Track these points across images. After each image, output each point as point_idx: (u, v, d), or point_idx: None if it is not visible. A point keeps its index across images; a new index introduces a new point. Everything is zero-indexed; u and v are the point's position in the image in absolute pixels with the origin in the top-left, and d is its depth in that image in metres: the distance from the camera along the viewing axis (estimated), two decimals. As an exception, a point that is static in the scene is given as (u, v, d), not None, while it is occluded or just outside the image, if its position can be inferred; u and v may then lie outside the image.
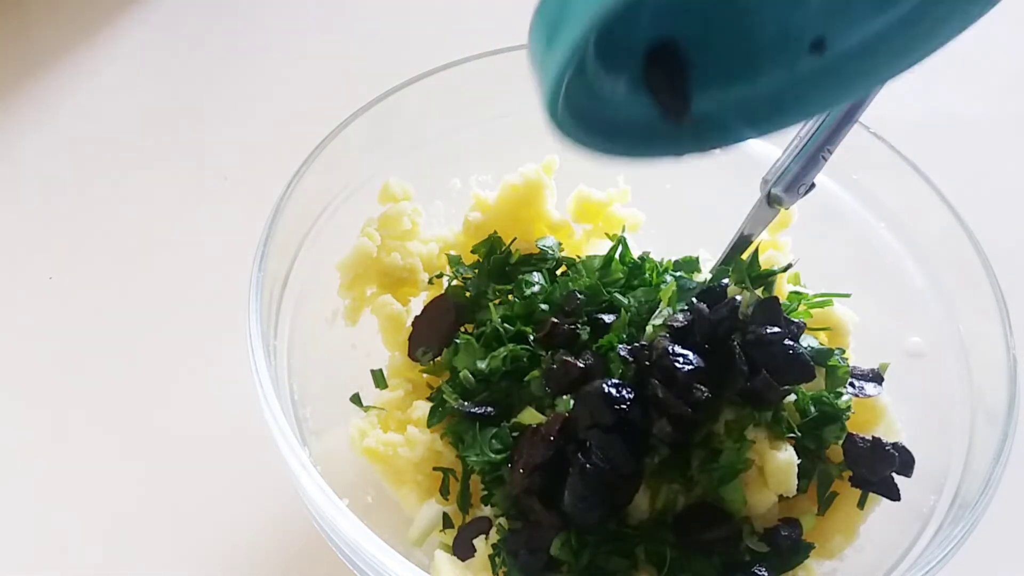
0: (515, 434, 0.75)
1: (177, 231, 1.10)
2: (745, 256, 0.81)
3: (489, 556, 0.73)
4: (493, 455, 0.74)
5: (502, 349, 0.78)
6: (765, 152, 0.87)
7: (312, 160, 0.80)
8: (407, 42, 1.31)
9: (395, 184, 0.86)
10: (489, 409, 0.76)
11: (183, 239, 1.09)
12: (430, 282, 0.87)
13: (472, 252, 0.87)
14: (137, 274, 1.05)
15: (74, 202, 1.12)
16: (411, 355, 0.83)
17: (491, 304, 0.81)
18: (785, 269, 0.83)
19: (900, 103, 1.26)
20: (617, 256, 0.84)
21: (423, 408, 0.79)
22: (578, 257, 0.87)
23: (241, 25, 1.35)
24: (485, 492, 0.76)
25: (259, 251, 0.75)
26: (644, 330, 0.77)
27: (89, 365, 0.98)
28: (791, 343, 0.73)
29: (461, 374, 0.78)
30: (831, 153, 0.73)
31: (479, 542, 0.74)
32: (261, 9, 1.37)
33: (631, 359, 0.73)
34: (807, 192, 0.76)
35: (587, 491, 0.69)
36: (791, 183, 0.76)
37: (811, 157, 0.74)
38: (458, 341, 0.80)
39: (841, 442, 0.75)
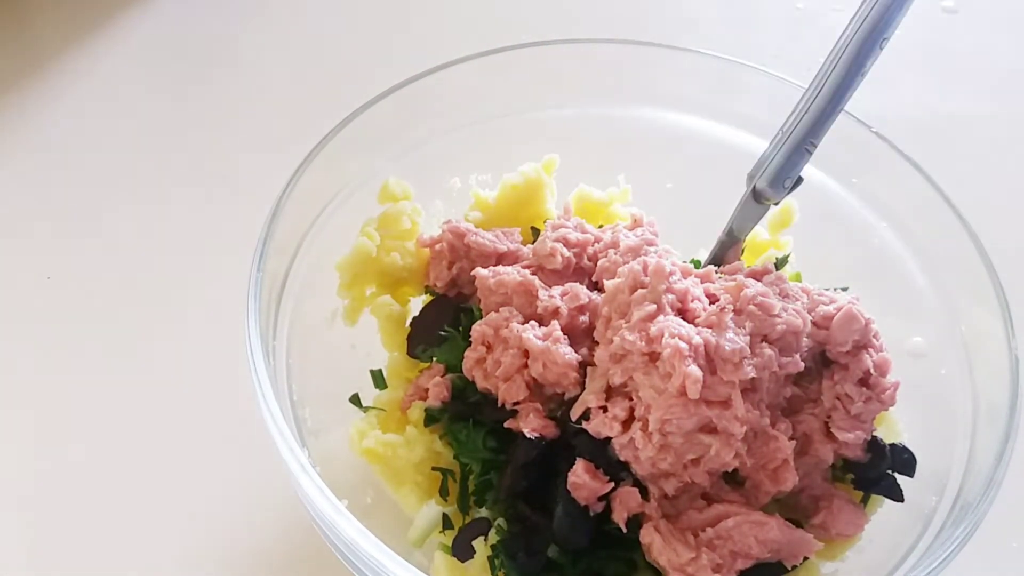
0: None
1: (175, 231, 1.09)
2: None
3: (488, 558, 0.72)
4: (487, 455, 0.74)
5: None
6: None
7: (311, 160, 0.80)
8: (406, 42, 1.30)
9: (395, 184, 0.86)
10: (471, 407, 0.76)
11: (181, 238, 1.09)
12: (430, 282, 0.87)
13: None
14: (135, 274, 1.05)
15: (72, 201, 1.12)
16: (410, 353, 0.83)
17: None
18: (781, 264, 0.83)
19: (901, 102, 1.26)
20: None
21: (422, 408, 0.79)
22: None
23: (241, 25, 1.35)
24: (475, 495, 0.76)
25: (258, 251, 0.74)
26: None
27: (86, 365, 0.98)
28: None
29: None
30: (815, 146, 0.71)
31: (478, 543, 0.73)
32: (261, 9, 1.37)
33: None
34: (794, 187, 0.75)
35: (576, 510, 0.69)
36: (775, 177, 0.74)
37: (794, 150, 0.72)
38: (443, 333, 0.80)
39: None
